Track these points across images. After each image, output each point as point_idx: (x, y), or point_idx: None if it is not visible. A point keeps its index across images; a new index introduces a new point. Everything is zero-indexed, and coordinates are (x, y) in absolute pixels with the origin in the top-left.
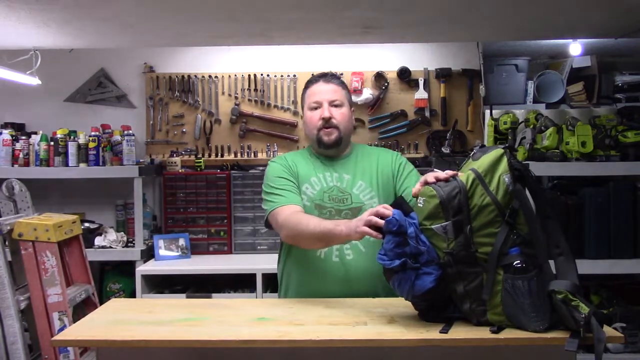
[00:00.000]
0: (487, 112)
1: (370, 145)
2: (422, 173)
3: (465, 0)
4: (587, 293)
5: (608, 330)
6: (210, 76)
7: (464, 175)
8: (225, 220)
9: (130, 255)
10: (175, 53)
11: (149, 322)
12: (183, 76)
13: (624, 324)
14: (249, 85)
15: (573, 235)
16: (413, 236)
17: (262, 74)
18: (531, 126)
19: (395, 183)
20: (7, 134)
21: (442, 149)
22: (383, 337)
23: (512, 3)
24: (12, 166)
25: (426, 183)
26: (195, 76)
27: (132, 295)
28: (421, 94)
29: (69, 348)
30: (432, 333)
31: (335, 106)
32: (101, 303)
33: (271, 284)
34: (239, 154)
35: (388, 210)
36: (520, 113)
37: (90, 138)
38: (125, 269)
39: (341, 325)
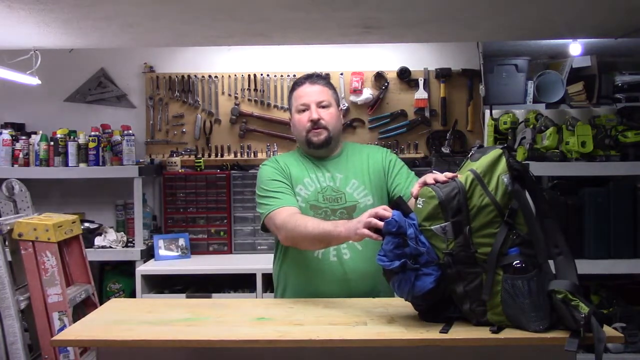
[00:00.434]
0: (487, 112)
1: (370, 144)
2: (422, 174)
3: (465, 0)
4: (587, 293)
5: (608, 330)
6: (210, 76)
7: (463, 176)
8: (225, 220)
9: (130, 255)
10: (175, 53)
11: (149, 322)
12: (183, 76)
13: (624, 324)
14: (249, 85)
15: (573, 235)
16: (412, 237)
17: (262, 74)
18: (531, 126)
19: (387, 180)
20: (7, 134)
21: (442, 149)
22: (383, 337)
23: (512, 3)
24: (12, 166)
25: (425, 184)
26: (195, 76)
27: (132, 295)
28: (421, 94)
29: (69, 348)
30: (432, 333)
31: (323, 107)
32: (101, 303)
33: (271, 283)
34: (238, 154)
35: (387, 211)
36: (520, 113)
37: (90, 138)
38: (125, 269)
39: (341, 325)
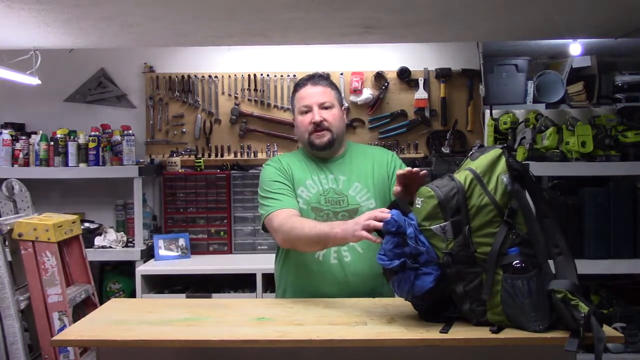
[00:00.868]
0: (487, 112)
1: (374, 146)
2: None
3: (465, 0)
4: (587, 293)
5: (608, 330)
6: (210, 76)
7: (462, 176)
8: (225, 220)
9: (130, 255)
10: (175, 53)
11: (149, 322)
12: (183, 76)
13: (624, 324)
14: (249, 85)
15: (573, 235)
16: (412, 236)
17: (262, 74)
18: (531, 126)
19: (390, 185)
20: (7, 134)
21: (442, 149)
22: (383, 337)
23: (512, 3)
24: (12, 166)
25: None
26: (195, 76)
27: (132, 295)
28: (421, 94)
29: (69, 348)
30: (432, 333)
31: (325, 108)
32: (101, 303)
33: (271, 283)
34: (238, 154)
35: (385, 214)
36: (520, 113)
37: (90, 138)
38: (125, 269)
39: (341, 325)
